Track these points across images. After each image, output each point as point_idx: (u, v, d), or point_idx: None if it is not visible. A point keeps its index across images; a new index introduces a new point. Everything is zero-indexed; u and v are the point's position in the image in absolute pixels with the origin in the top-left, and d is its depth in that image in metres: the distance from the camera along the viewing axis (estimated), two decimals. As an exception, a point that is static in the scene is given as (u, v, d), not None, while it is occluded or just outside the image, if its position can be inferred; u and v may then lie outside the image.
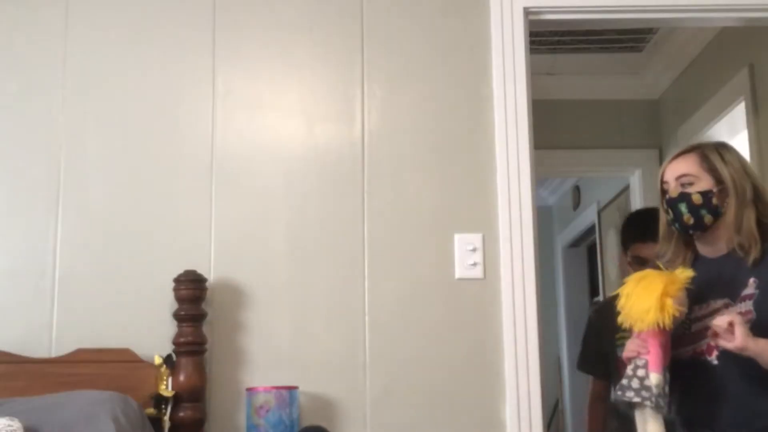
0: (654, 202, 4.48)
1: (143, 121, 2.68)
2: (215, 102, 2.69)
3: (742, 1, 2.80)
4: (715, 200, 2.14)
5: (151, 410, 2.37)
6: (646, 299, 2.01)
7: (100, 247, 2.60)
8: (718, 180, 2.15)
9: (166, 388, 2.41)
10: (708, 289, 2.14)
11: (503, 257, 2.58)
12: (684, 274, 2.08)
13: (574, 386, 6.24)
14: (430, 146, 2.67)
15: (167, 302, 2.51)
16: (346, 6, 2.75)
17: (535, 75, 2.83)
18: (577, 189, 6.08)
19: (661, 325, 1.99)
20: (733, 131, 3.91)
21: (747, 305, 2.05)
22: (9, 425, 2.02)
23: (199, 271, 2.50)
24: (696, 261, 2.22)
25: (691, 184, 2.16)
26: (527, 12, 2.74)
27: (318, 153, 2.68)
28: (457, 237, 2.60)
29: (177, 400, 2.40)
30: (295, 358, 2.56)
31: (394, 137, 2.69)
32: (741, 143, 3.85)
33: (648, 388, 2.00)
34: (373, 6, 2.75)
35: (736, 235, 2.11)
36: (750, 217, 2.11)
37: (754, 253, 2.09)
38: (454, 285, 2.58)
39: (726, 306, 2.07)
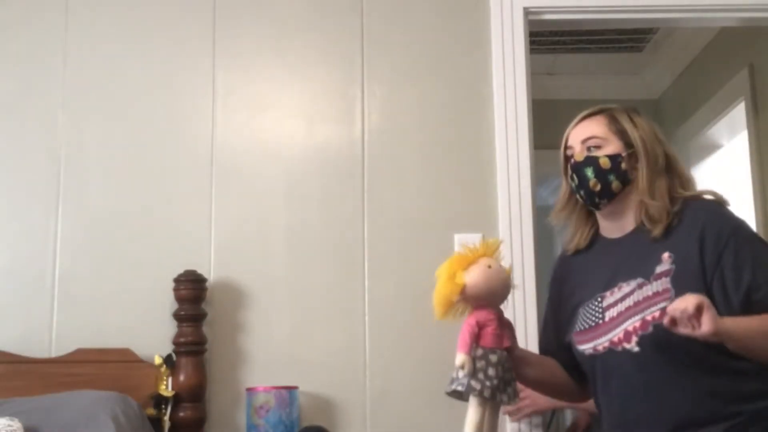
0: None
1: (143, 120, 2.68)
2: (215, 102, 2.69)
3: (742, 1, 2.80)
4: (624, 165, 1.93)
5: (151, 410, 2.37)
6: (438, 283, 1.82)
7: (100, 247, 2.60)
8: (628, 143, 1.94)
9: (166, 388, 2.41)
10: (616, 272, 1.91)
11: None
12: (493, 245, 1.88)
13: (574, 386, 6.24)
14: (430, 146, 2.67)
15: (167, 302, 2.51)
16: (346, 6, 2.75)
17: (535, 75, 2.83)
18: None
19: (443, 305, 1.80)
20: (733, 131, 3.91)
21: (664, 283, 1.82)
22: (9, 425, 2.02)
23: (199, 271, 2.50)
24: (595, 244, 2.03)
25: (598, 147, 1.96)
26: (527, 12, 2.74)
27: (318, 153, 2.68)
28: (457, 237, 2.60)
29: (177, 400, 2.40)
30: (295, 358, 2.56)
31: (394, 137, 2.69)
32: (741, 143, 3.85)
33: (456, 372, 1.80)
34: (372, 6, 2.75)
35: (648, 200, 1.90)
36: (662, 186, 1.91)
37: (661, 225, 1.88)
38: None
39: (640, 286, 1.85)
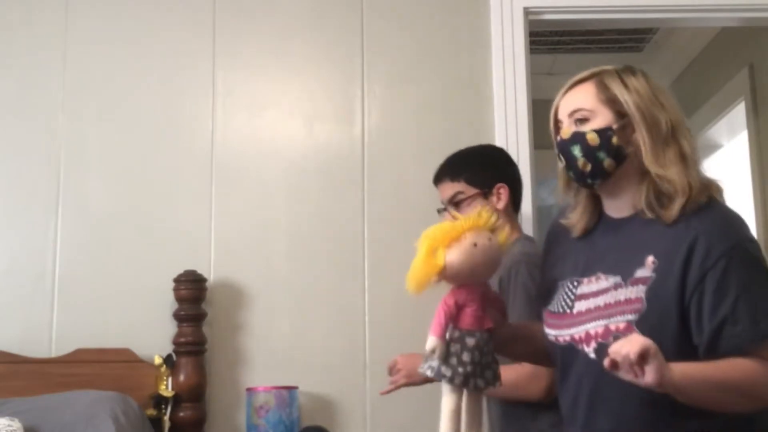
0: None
1: (143, 121, 2.68)
2: (215, 102, 2.69)
3: (742, 1, 2.80)
4: (615, 139, 1.64)
5: (151, 410, 2.37)
6: (417, 259, 1.64)
7: (100, 247, 2.60)
8: (620, 113, 1.65)
9: (166, 388, 2.42)
10: (601, 259, 1.69)
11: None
12: (484, 216, 1.65)
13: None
14: (430, 146, 2.67)
15: (167, 302, 2.51)
16: (346, 6, 2.75)
17: (535, 75, 2.83)
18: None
19: (417, 283, 1.63)
20: (733, 131, 3.91)
21: (639, 291, 1.59)
22: (9, 425, 2.02)
23: (199, 271, 2.50)
24: (599, 223, 1.76)
25: (585, 120, 1.68)
26: (527, 12, 2.74)
27: (318, 153, 2.68)
28: (457, 237, 2.59)
29: (177, 400, 2.40)
30: (295, 358, 2.56)
31: (394, 137, 2.69)
32: (741, 143, 3.85)
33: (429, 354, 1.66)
34: (372, 6, 2.75)
35: (659, 170, 1.62)
36: (673, 156, 1.62)
37: (677, 204, 1.60)
38: (454, 285, 2.58)
39: (616, 287, 1.62)
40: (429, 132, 2.69)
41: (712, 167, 4.14)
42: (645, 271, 1.60)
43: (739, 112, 3.69)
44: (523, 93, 2.69)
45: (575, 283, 1.71)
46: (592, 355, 1.61)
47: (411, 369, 2.13)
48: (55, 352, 2.51)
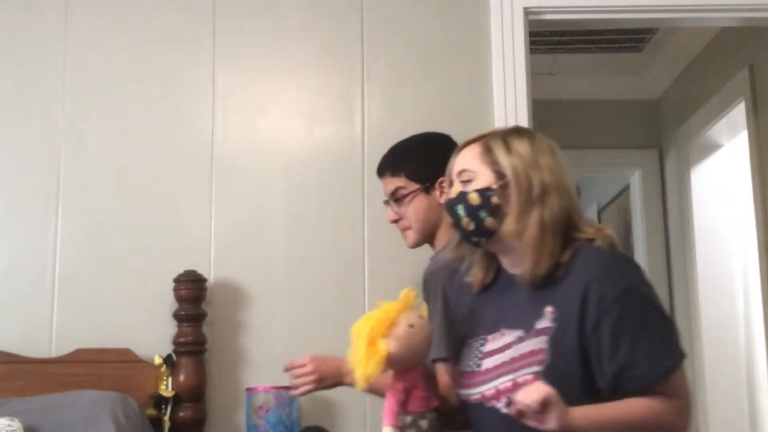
0: (655, 202, 4.51)
1: (143, 120, 2.68)
2: (215, 102, 2.69)
3: (742, 1, 2.80)
4: (495, 198, 1.68)
5: (151, 410, 2.37)
6: (356, 348, 1.65)
7: (100, 247, 2.60)
8: (500, 174, 1.69)
9: (166, 388, 2.42)
10: (502, 315, 1.71)
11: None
12: (410, 296, 1.69)
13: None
14: (430, 146, 2.67)
15: (167, 302, 2.51)
16: (345, 6, 2.75)
17: (535, 75, 2.83)
18: (577, 189, 6.07)
19: (366, 377, 1.61)
20: (733, 131, 3.91)
21: (541, 342, 1.61)
22: (9, 425, 2.02)
23: (199, 271, 2.50)
24: (499, 278, 1.78)
25: (469, 181, 1.73)
26: (527, 12, 2.74)
27: (318, 153, 2.68)
28: (457, 237, 2.59)
29: (177, 400, 2.40)
30: (295, 358, 2.55)
31: (394, 137, 2.68)
32: (741, 143, 3.85)
33: None
34: (372, 6, 2.75)
35: (512, 241, 1.68)
36: (535, 220, 1.66)
37: (534, 272, 1.65)
38: (454, 285, 2.58)
39: (520, 340, 1.65)
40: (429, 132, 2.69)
41: (712, 167, 4.14)
42: (545, 322, 1.63)
43: (739, 112, 3.69)
44: (523, 93, 2.69)
45: (482, 341, 1.74)
46: (505, 410, 1.61)
47: (324, 372, 2.11)
48: (55, 352, 2.51)
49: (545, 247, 1.65)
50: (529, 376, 1.60)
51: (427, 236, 2.18)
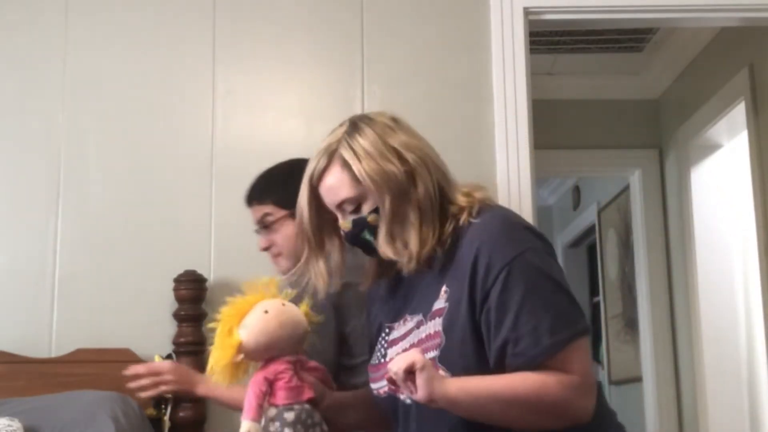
0: (655, 202, 4.51)
1: (143, 120, 2.68)
2: (215, 102, 2.69)
3: (742, 1, 2.80)
4: (382, 211, 1.59)
5: (151, 410, 2.37)
6: (215, 339, 1.58)
7: (100, 247, 2.60)
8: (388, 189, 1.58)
9: (166, 388, 2.41)
10: (406, 301, 1.63)
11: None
12: (274, 283, 1.62)
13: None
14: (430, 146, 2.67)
15: (167, 302, 2.51)
16: (346, 6, 2.75)
17: (535, 75, 2.83)
18: (577, 189, 6.08)
19: (221, 367, 1.55)
20: (733, 131, 3.91)
21: (437, 324, 1.52)
22: (9, 425, 2.02)
23: (199, 271, 2.50)
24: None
25: (358, 206, 1.61)
26: (527, 12, 2.74)
27: (318, 153, 2.67)
28: (457, 237, 2.59)
29: (177, 400, 2.40)
30: (295, 358, 2.55)
31: (394, 137, 2.69)
32: (741, 143, 3.85)
33: None
34: (372, 6, 2.75)
35: (388, 250, 1.57)
36: (408, 215, 1.56)
37: (422, 254, 1.55)
38: (454, 285, 2.58)
39: (418, 324, 1.56)
40: (429, 132, 2.67)
41: (712, 167, 4.14)
42: (440, 303, 1.54)
43: (739, 112, 3.69)
44: (523, 93, 2.69)
45: (387, 330, 1.68)
46: (408, 401, 1.54)
47: (180, 378, 2.18)
48: (55, 352, 2.51)
49: (418, 232, 1.55)
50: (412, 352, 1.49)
51: (299, 260, 2.15)
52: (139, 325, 2.54)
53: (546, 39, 4.10)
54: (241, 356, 1.55)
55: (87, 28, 2.72)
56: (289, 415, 1.54)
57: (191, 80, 2.71)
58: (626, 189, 4.81)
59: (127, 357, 2.46)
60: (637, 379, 4.66)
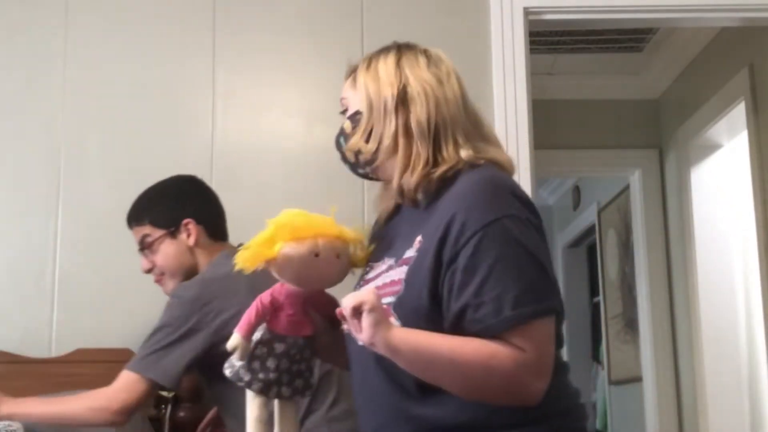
0: (655, 202, 4.51)
1: (143, 120, 2.68)
2: (215, 102, 2.69)
3: (742, 1, 2.80)
4: (365, 122, 1.57)
5: (151, 410, 2.37)
6: (261, 233, 1.53)
7: (100, 247, 2.60)
8: (368, 96, 1.58)
9: (166, 388, 2.41)
10: (390, 243, 1.58)
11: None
12: (350, 231, 1.56)
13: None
14: (430, 146, 2.67)
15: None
16: (346, 6, 2.75)
17: (535, 75, 2.83)
18: (577, 189, 6.09)
19: (244, 260, 1.50)
20: (733, 131, 3.91)
21: (401, 272, 1.47)
22: (9, 425, 2.02)
23: (199, 271, 2.50)
24: (401, 208, 1.63)
25: (346, 110, 1.63)
26: (527, 12, 2.74)
27: (318, 153, 2.68)
28: (457, 237, 2.59)
29: (177, 400, 2.40)
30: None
31: (394, 137, 2.69)
32: (741, 143, 3.86)
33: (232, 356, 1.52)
34: (372, 6, 2.75)
35: (379, 161, 1.55)
36: (391, 131, 1.53)
37: (406, 184, 1.51)
38: (454, 285, 2.58)
39: (389, 269, 1.52)
40: (429, 132, 2.69)
41: (712, 167, 4.14)
42: (412, 251, 1.48)
43: (739, 112, 3.69)
44: (523, 93, 2.69)
45: (367, 270, 1.61)
46: (360, 342, 1.44)
47: None
48: (55, 352, 2.51)
49: (405, 157, 1.51)
50: (384, 307, 1.44)
51: (186, 279, 2.14)
52: (139, 325, 2.53)
53: (546, 39, 4.10)
54: (267, 266, 1.49)
55: (87, 28, 2.72)
56: (279, 346, 1.52)
57: (191, 80, 2.71)
58: (626, 189, 4.81)
59: (127, 357, 2.44)
60: (637, 379, 4.66)
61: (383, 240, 1.62)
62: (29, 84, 2.69)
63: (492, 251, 1.38)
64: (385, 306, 1.42)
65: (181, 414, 2.42)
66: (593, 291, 6.14)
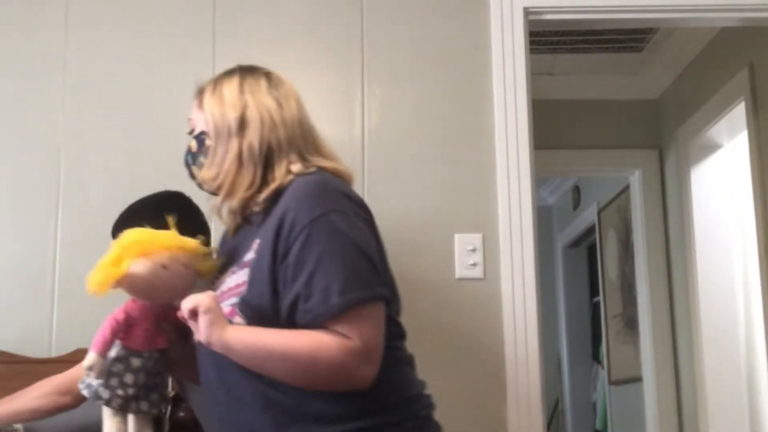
0: (655, 202, 4.51)
1: (143, 120, 2.68)
2: (215, 102, 2.69)
3: (742, 1, 2.80)
4: (209, 141, 1.66)
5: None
6: (108, 253, 1.61)
7: (100, 247, 2.58)
8: (213, 119, 1.67)
9: (166, 388, 2.41)
10: (232, 257, 1.67)
11: (503, 257, 2.58)
12: (191, 243, 1.63)
13: (574, 386, 6.24)
14: (430, 146, 2.67)
15: (167, 302, 2.51)
16: (346, 6, 2.75)
17: (535, 75, 2.83)
18: (577, 189, 6.09)
19: (94, 284, 1.57)
20: (733, 131, 3.91)
21: (243, 274, 1.56)
22: (9, 425, 2.02)
23: (199, 271, 2.50)
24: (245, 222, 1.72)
25: (193, 130, 1.72)
26: (527, 12, 2.74)
27: (318, 153, 2.67)
28: (457, 237, 2.60)
29: (177, 400, 2.40)
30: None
31: (394, 137, 2.69)
32: (741, 143, 3.86)
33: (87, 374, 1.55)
34: (373, 6, 2.75)
35: (210, 186, 1.67)
36: (232, 156, 1.61)
37: (233, 202, 1.63)
38: (454, 285, 2.58)
39: (231, 274, 1.61)
40: (429, 132, 2.69)
41: (712, 167, 4.15)
42: (250, 254, 1.58)
43: (739, 112, 3.69)
44: (523, 93, 2.69)
45: (218, 284, 1.68)
46: (197, 340, 1.55)
47: None
48: (55, 352, 2.51)
49: (232, 182, 1.61)
50: (228, 309, 1.54)
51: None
52: (139, 325, 2.53)
53: (546, 39, 4.10)
54: (117, 285, 1.57)
55: (87, 27, 2.72)
56: (136, 361, 1.57)
57: (191, 80, 2.70)
58: (626, 189, 4.82)
59: (127, 357, 2.46)
60: (637, 379, 4.66)
61: (229, 253, 1.69)
62: (29, 84, 2.69)
63: (319, 244, 1.48)
64: (229, 307, 1.52)
65: (181, 414, 2.41)
66: (593, 291, 6.14)
